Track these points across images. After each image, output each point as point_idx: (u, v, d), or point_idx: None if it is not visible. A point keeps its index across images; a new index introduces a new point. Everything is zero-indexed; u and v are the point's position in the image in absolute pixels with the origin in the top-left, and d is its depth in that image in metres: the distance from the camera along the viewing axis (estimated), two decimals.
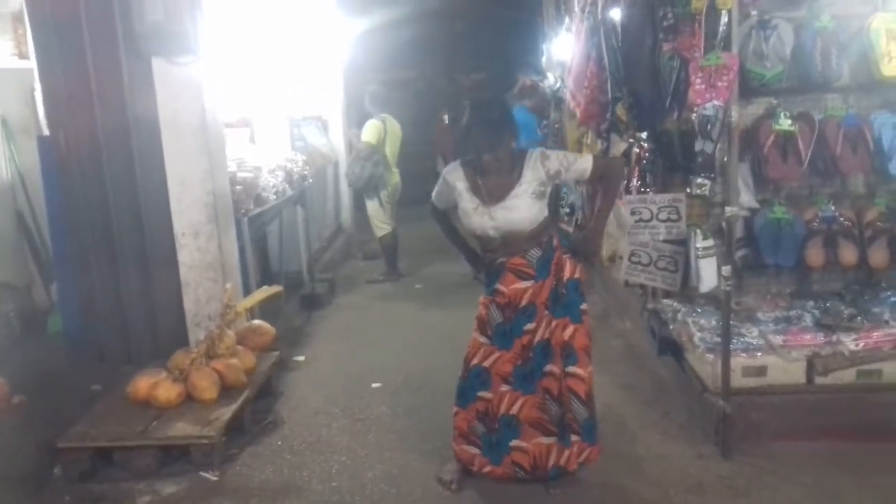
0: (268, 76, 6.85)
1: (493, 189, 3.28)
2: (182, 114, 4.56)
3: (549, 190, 3.37)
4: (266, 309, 5.27)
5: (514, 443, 3.38)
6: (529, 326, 3.32)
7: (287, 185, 6.05)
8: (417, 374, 4.90)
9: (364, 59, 10.28)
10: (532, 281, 3.30)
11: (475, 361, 3.41)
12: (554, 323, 3.32)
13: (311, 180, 6.89)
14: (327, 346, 5.65)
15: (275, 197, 5.73)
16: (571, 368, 3.35)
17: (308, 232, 6.93)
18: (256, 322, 4.82)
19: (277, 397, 4.64)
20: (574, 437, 3.40)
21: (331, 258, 8.03)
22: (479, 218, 3.30)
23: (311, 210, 7.31)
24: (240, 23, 5.91)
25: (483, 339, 3.41)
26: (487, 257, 3.43)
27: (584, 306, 3.40)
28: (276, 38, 6.87)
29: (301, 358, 5.34)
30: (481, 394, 3.40)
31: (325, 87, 8.79)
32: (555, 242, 3.35)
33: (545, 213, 3.36)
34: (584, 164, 3.33)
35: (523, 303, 3.31)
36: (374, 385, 4.79)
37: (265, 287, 5.08)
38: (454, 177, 3.39)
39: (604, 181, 3.44)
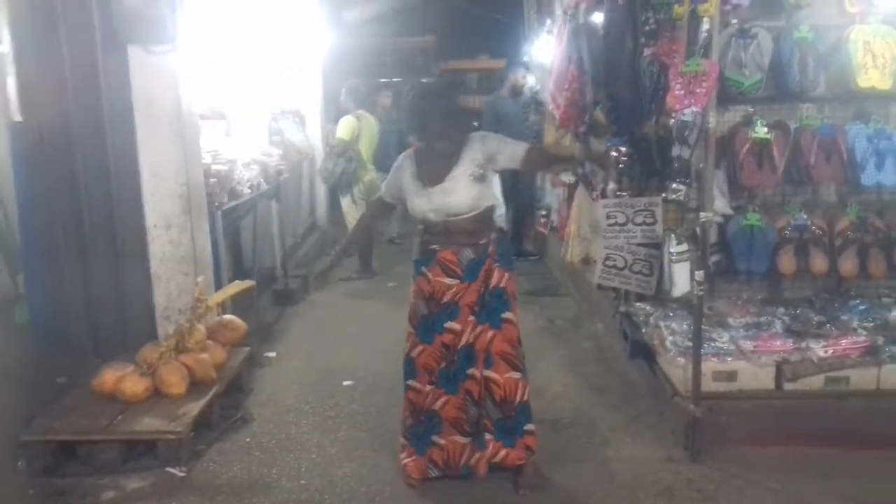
0: (246, 68, 6.78)
1: (434, 173, 3.33)
2: (157, 103, 4.50)
3: (489, 174, 3.36)
4: (238, 304, 5.22)
5: (434, 438, 3.47)
6: (451, 325, 3.36)
7: (262, 180, 5.99)
8: (389, 373, 4.84)
9: (343, 57, 10.24)
10: (457, 280, 3.34)
11: (406, 350, 3.51)
12: (479, 328, 3.36)
13: (287, 175, 6.84)
14: (299, 343, 5.61)
15: (249, 191, 5.67)
16: (487, 372, 3.40)
17: (282, 227, 6.88)
18: (228, 317, 4.77)
19: (247, 393, 4.59)
20: (488, 436, 3.43)
21: (305, 254, 7.97)
22: (419, 200, 3.34)
23: (286, 205, 7.25)
24: (218, 13, 5.83)
25: (411, 329, 3.49)
26: (424, 238, 3.45)
27: (507, 315, 3.41)
28: (256, 29, 6.80)
29: (272, 354, 5.30)
30: (410, 382, 3.50)
31: (303, 82, 8.74)
32: (490, 249, 3.38)
33: (487, 200, 3.38)
34: (518, 150, 3.37)
35: (445, 299, 3.35)
36: (345, 383, 4.76)
37: (237, 281, 5.02)
38: (405, 162, 3.47)
39: (536, 168, 3.48)
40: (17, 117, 4.89)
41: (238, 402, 4.45)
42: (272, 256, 6.75)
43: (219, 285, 5.10)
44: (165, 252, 4.58)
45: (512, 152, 3.35)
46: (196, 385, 4.07)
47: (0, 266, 5.82)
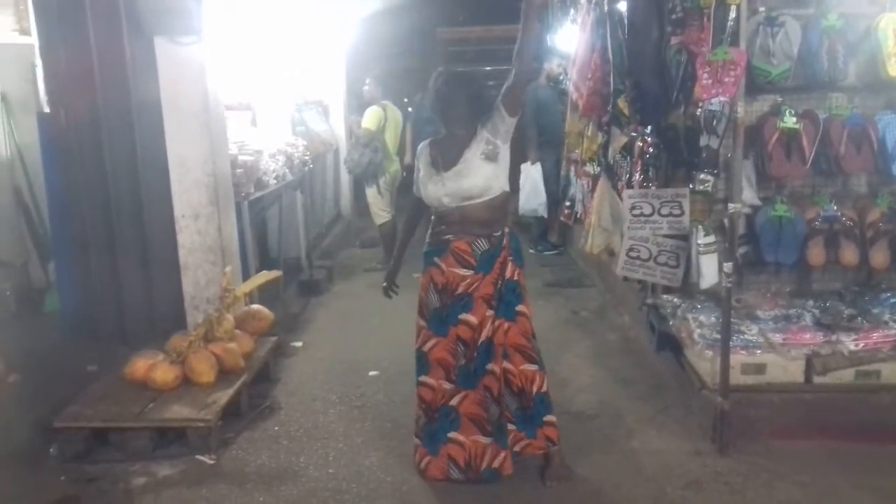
0: (270, 59, 6.81)
1: (448, 158, 3.30)
2: (184, 95, 4.54)
3: (500, 150, 3.28)
4: (264, 294, 5.27)
5: (451, 434, 3.38)
6: (466, 317, 3.31)
7: (287, 170, 6.02)
8: (413, 363, 4.88)
9: (366, 46, 10.24)
10: (472, 271, 3.30)
11: (417, 345, 3.45)
12: (497, 323, 3.33)
13: (311, 166, 6.87)
14: (325, 333, 5.64)
15: (275, 181, 5.71)
16: (506, 364, 3.38)
17: (307, 218, 6.92)
18: (255, 307, 4.81)
19: (275, 383, 4.64)
20: (509, 427, 3.41)
21: (329, 245, 8.01)
22: (434, 186, 3.31)
23: (311, 196, 7.30)
24: (243, 4, 5.86)
25: (422, 322, 3.43)
26: (437, 229, 3.40)
27: (521, 307, 3.39)
28: (279, 20, 6.82)
29: (298, 344, 5.33)
30: (422, 378, 3.43)
31: (326, 72, 8.76)
32: (505, 241, 3.35)
33: (500, 183, 3.31)
34: (497, 105, 3.25)
35: (459, 290, 3.31)
36: (371, 373, 4.78)
37: (265, 271, 5.07)
38: (422, 152, 3.45)
39: (517, 96, 3.30)
40: (46, 108, 4.96)
41: (266, 391, 4.49)
42: (297, 247, 6.79)
43: (245, 275, 5.15)
44: (193, 242, 4.62)
45: (497, 112, 3.26)
46: (225, 374, 4.12)
47: (32, 255, 5.92)
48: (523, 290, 3.43)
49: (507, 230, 3.39)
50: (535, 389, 3.40)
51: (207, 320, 4.32)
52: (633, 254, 4.23)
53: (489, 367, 3.34)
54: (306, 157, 6.61)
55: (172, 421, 3.79)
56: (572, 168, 7.03)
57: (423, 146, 3.49)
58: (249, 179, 5.18)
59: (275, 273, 5.13)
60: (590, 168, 5.93)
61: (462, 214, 3.29)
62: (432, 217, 3.47)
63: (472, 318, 3.31)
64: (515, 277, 3.39)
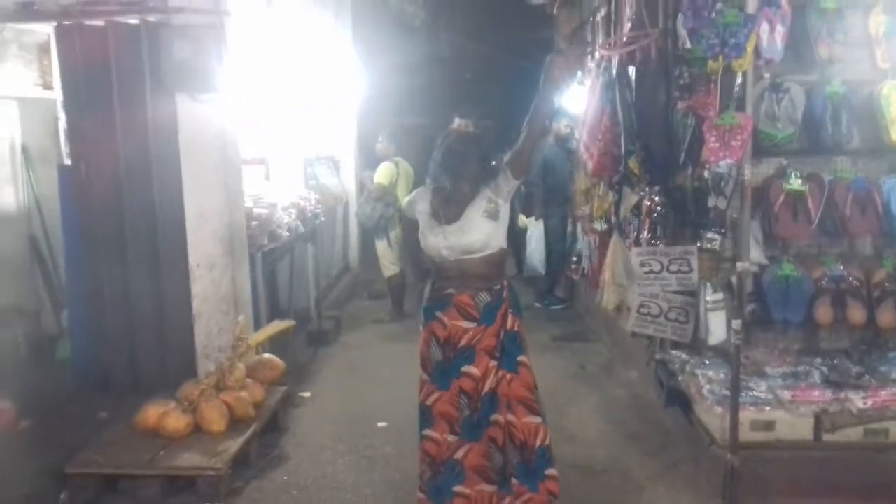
0: (283, 114, 6.97)
1: (450, 212, 3.36)
2: (203, 149, 4.67)
3: (501, 209, 3.34)
4: (274, 343, 5.31)
5: (457, 488, 3.34)
6: (468, 369, 3.32)
7: (300, 223, 6.13)
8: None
9: (376, 102, 10.46)
10: (475, 324, 3.32)
11: (420, 399, 3.44)
12: (500, 373, 3.33)
13: (322, 218, 6.97)
14: (333, 384, 5.67)
15: (288, 233, 5.80)
16: (509, 417, 3.36)
17: (317, 269, 6.99)
18: (267, 356, 4.86)
19: (283, 432, 4.65)
20: (513, 481, 3.37)
21: (337, 296, 8.07)
22: (434, 238, 3.34)
23: (321, 248, 7.38)
24: (258, 62, 6.03)
25: (425, 376, 3.43)
26: (438, 284, 3.42)
27: (522, 358, 3.40)
28: (293, 77, 7.00)
29: (307, 394, 5.36)
30: (426, 432, 3.40)
31: (337, 127, 8.94)
32: (505, 294, 3.39)
33: (499, 241, 3.36)
34: (504, 168, 3.35)
35: (462, 343, 3.32)
36: (379, 424, 4.80)
37: (277, 321, 5.13)
38: (420, 198, 3.49)
39: (525, 160, 3.39)
40: (66, 161, 5.08)
41: (275, 440, 4.51)
42: (307, 297, 6.85)
43: (257, 325, 5.20)
44: (207, 291, 4.69)
45: (503, 174, 3.35)
46: (235, 422, 4.14)
47: (45, 303, 5.98)
48: (523, 341, 3.45)
49: (506, 283, 3.44)
50: (537, 442, 3.38)
51: (219, 369, 4.37)
52: (643, 310, 4.30)
53: (493, 418, 3.33)
54: (318, 211, 6.72)
55: (183, 469, 3.81)
56: (579, 225, 7.15)
57: (422, 192, 3.53)
58: (263, 231, 5.28)
59: (287, 322, 5.19)
60: (598, 225, 6.04)
61: (461, 268, 3.33)
62: (431, 272, 3.50)
63: (474, 371, 3.32)
64: (516, 328, 3.42)
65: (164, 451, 3.90)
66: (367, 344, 6.80)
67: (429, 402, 3.39)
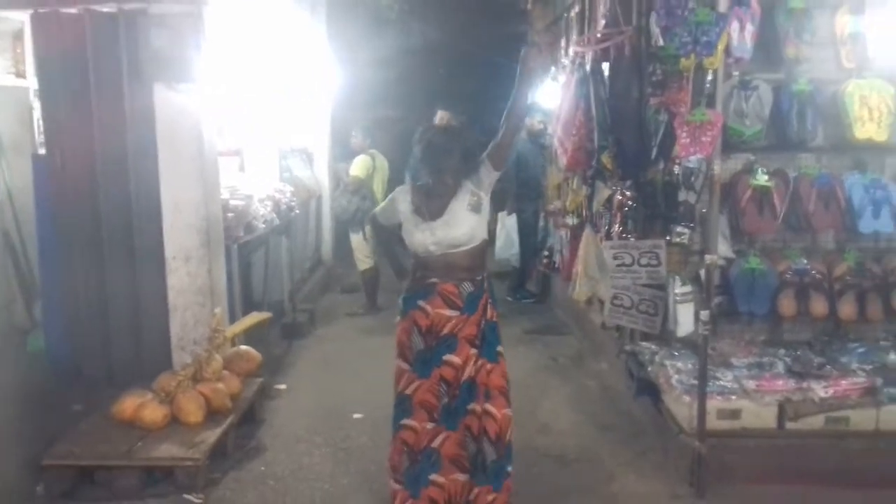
0: (258, 106, 6.97)
1: (434, 207, 3.40)
2: (180, 139, 4.65)
3: (483, 202, 3.42)
4: (249, 336, 5.33)
5: (432, 476, 3.40)
6: (450, 357, 3.37)
7: (275, 215, 6.14)
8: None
9: (350, 95, 10.46)
10: (458, 312, 3.37)
11: (399, 388, 3.46)
12: (480, 362, 3.39)
13: (297, 211, 6.99)
14: (308, 376, 5.70)
15: (263, 226, 5.81)
16: (487, 406, 3.39)
17: (291, 262, 7.01)
18: (243, 347, 4.88)
19: (260, 424, 4.68)
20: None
21: (311, 290, 8.08)
22: (421, 234, 3.38)
23: (295, 241, 7.39)
24: (234, 53, 6.03)
25: (405, 366, 3.45)
26: (420, 274, 3.46)
27: (500, 348, 3.48)
28: (268, 69, 6.99)
29: (283, 386, 5.38)
30: (405, 422, 3.43)
31: (311, 120, 8.93)
32: (486, 285, 3.46)
33: (482, 233, 3.45)
34: (484, 160, 3.40)
35: (444, 331, 3.37)
36: (355, 416, 4.85)
37: (254, 313, 5.15)
38: (401, 197, 3.51)
39: (505, 151, 3.46)
40: (41, 151, 5.04)
41: (251, 431, 4.54)
42: (281, 290, 6.87)
43: (232, 317, 5.21)
44: (183, 283, 4.69)
45: (484, 166, 3.41)
46: (212, 414, 4.16)
47: (17, 297, 5.93)
48: (500, 332, 3.53)
49: (486, 274, 3.50)
50: (507, 437, 3.42)
51: (196, 360, 4.38)
52: (616, 302, 4.40)
53: (470, 406, 3.38)
54: (293, 203, 6.74)
55: (160, 460, 3.82)
56: (551, 220, 7.25)
57: (400, 192, 3.55)
58: (240, 223, 5.28)
59: (264, 314, 5.21)
60: (570, 219, 6.13)
61: (447, 261, 3.38)
62: (412, 263, 3.53)
63: (455, 359, 3.37)
64: (494, 318, 3.49)
65: (142, 443, 3.91)
66: (341, 337, 6.84)
67: (408, 391, 3.42)
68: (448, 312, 3.38)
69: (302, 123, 8.59)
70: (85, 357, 4.87)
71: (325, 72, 8.67)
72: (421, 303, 3.42)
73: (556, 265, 7.18)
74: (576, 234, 5.93)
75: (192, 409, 4.08)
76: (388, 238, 3.82)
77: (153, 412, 4.03)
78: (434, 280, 3.40)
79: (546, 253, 7.53)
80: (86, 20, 4.57)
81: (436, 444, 3.40)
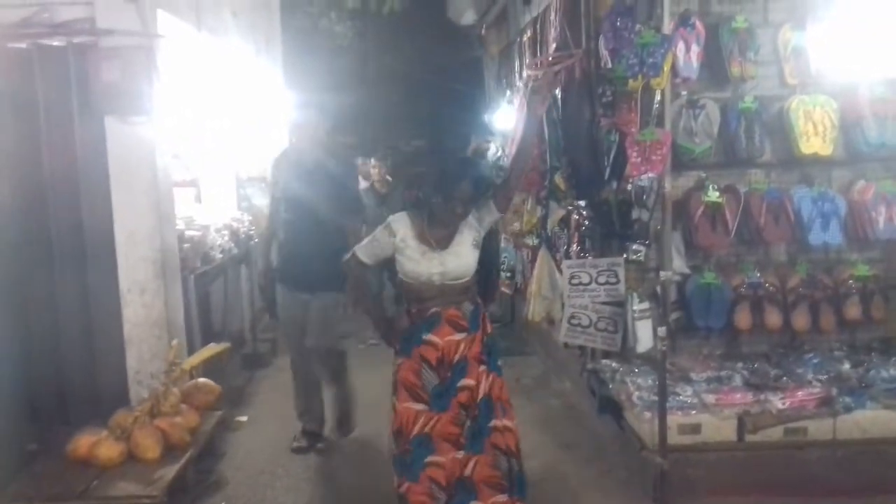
0: (215, 136, 6.93)
1: (440, 237, 3.40)
2: (133, 172, 4.61)
3: (481, 240, 3.48)
4: (208, 367, 5.24)
5: None
6: (464, 383, 3.36)
7: (233, 245, 6.09)
8: (361, 432, 4.92)
9: (307, 122, 10.45)
10: (465, 333, 3.39)
11: (415, 431, 3.36)
12: (490, 377, 3.40)
13: (256, 240, 6.93)
14: (270, 406, 5.61)
15: (221, 255, 5.76)
16: (505, 422, 3.43)
17: (252, 291, 6.94)
18: (202, 380, 4.79)
19: (220, 457, 4.60)
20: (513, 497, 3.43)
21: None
22: (428, 263, 3.36)
23: (255, 269, 7.31)
24: (189, 84, 6.00)
25: (419, 407, 3.37)
26: (417, 308, 3.42)
27: (500, 361, 3.54)
28: (224, 99, 6.97)
29: (244, 418, 5.30)
30: (430, 459, 3.34)
31: (269, 149, 8.88)
32: (479, 300, 3.51)
33: (476, 265, 3.49)
34: (488, 202, 3.46)
35: (456, 357, 3.36)
36: (318, 445, 4.78)
37: (212, 344, 5.07)
38: (399, 224, 3.44)
39: (509, 198, 3.58)
40: None
41: (211, 465, 4.45)
42: (241, 319, 6.79)
43: (191, 349, 5.13)
44: (139, 316, 4.62)
45: (487, 206, 3.46)
46: (170, 449, 4.08)
47: None
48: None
49: (476, 289, 3.53)
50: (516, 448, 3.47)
51: (153, 395, 4.30)
52: (574, 321, 4.42)
53: (492, 423, 3.37)
54: (251, 232, 6.69)
55: (118, 499, 3.73)
56: (511, 241, 7.27)
57: (398, 219, 3.48)
58: (196, 254, 5.23)
59: (222, 346, 5.14)
60: (529, 240, 6.17)
61: (444, 290, 3.39)
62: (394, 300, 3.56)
63: (470, 382, 3.37)
64: (490, 331, 3.54)
65: (98, 481, 3.82)
66: None
67: (427, 429, 3.35)
68: (457, 336, 3.39)
69: (259, 152, 8.54)
70: (39, 395, 4.74)
71: (281, 100, 8.65)
72: (427, 336, 3.38)
73: (519, 286, 7.20)
74: (535, 253, 5.97)
75: (150, 445, 3.99)
76: (366, 281, 3.74)
77: (109, 450, 3.94)
78: (435, 309, 3.39)
79: (508, 274, 7.55)
80: (34, 54, 4.51)
81: (468, 472, 3.35)
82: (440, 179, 3.42)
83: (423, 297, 3.41)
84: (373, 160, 8.13)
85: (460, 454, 3.34)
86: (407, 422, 3.37)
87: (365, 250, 3.52)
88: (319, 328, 4.57)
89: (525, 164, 3.64)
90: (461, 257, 3.39)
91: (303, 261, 4.51)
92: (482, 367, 3.39)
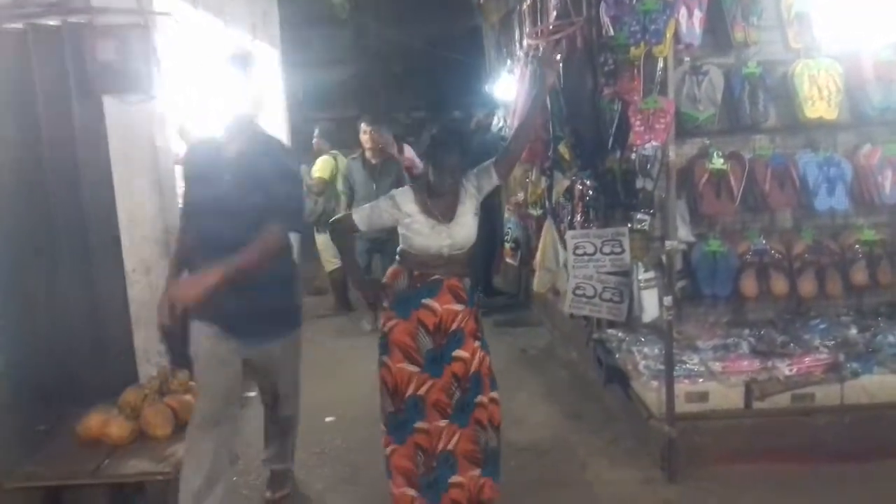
0: (215, 114, 6.86)
1: (443, 209, 3.42)
2: (134, 152, 4.57)
3: (478, 206, 3.51)
4: None
5: (452, 479, 3.42)
6: (459, 353, 3.41)
7: None
8: (370, 407, 4.87)
9: (307, 97, 10.40)
10: (464, 306, 3.43)
11: (410, 391, 3.41)
12: (481, 354, 3.46)
13: None
14: None
15: None
16: (492, 395, 3.51)
17: None
18: None
19: None
20: (479, 471, 3.49)
21: None
22: (437, 237, 3.39)
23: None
24: (186, 61, 5.95)
25: (412, 368, 3.42)
26: (420, 271, 3.43)
27: (484, 338, 3.56)
28: (221, 71, 6.90)
29: (252, 393, 5.30)
30: (419, 425, 3.42)
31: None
32: (472, 279, 3.55)
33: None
34: (489, 168, 3.50)
35: (453, 326, 3.40)
36: (327, 419, 4.83)
37: None
38: (404, 199, 3.44)
39: (511, 167, 3.65)
40: None
41: None
42: None
43: None
44: (145, 296, 4.62)
45: (487, 173, 3.49)
46: (181, 426, 4.08)
47: None
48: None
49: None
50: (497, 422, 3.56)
51: (162, 373, 4.32)
52: (578, 292, 4.41)
53: (477, 399, 3.44)
54: None
55: (131, 476, 3.75)
56: (515, 212, 7.26)
57: (402, 193, 3.49)
58: None
59: None
60: (533, 210, 6.15)
61: (451, 260, 3.44)
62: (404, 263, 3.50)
63: (464, 353, 3.41)
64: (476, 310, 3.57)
65: (110, 460, 3.84)
66: (310, 340, 6.70)
67: (420, 392, 3.41)
68: (456, 307, 3.42)
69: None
70: (48, 376, 4.76)
71: (279, 74, 8.59)
72: (427, 301, 3.42)
73: (524, 257, 7.19)
74: (541, 224, 5.95)
75: (160, 423, 4.01)
76: (351, 245, 3.81)
77: (120, 428, 3.96)
78: (439, 276, 3.42)
79: (512, 244, 7.54)
80: (29, 35, 4.46)
81: (451, 445, 3.41)
82: (430, 150, 3.46)
83: (429, 265, 3.44)
84: (363, 125, 6.97)
85: (443, 423, 3.41)
86: (402, 381, 3.43)
87: (362, 214, 3.52)
88: (293, 388, 3.83)
89: (529, 132, 3.66)
90: (465, 227, 3.44)
91: (238, 295, 3.11)
92: (476, 343, 3.44)
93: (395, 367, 3.44)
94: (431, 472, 3.43)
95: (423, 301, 3.41)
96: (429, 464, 3.43)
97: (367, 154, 6.83)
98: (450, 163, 3.38)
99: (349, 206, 6.51)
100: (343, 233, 3.63)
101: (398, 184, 5.80)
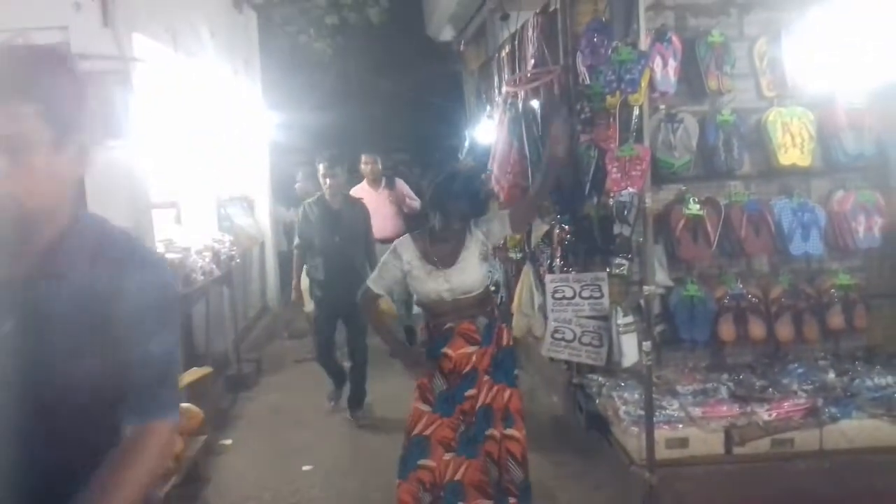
0: (194, 157, 6.88)
1: (443, 255, 3.49)
2: (111, 196, 4.54)
3: (488, 253, 3.59)
4: (192, 391, 5.17)
5: None
6: (470, 392, 3.47)
7: (214, 266, 6.02)
8: (348, 454, 4.89)
9: (289, 139, 10.43)
10: (477, 346, 3.49)
11: (416, 431, 3.50)
12: (495, 388, 3.50)
13: (238, 260, 6.88)
14: (255, 428, 5.57)
15: (202, 277, 5.69)
16: (509, 431, 3.54)
17: (234, 312, 6.88)
18: (184, 405, 4.72)
19: (205, 483, 4.54)
20: (512, 500, 3.52)
21: (256, 337, 7.95)
22: (434, 282, 3.46)
23: (237, 290, 7.27)
24: (167, 106, 5.96)
25: (425, 408, 3.51)
26: (434, 323, 3.55)
27: (516, 372, 3.63)
28: (203, 120, 6.94)
29: (228, 441, 5.24)
30: (422, 462, 3.47)
31: (250, 167, 8.85)
32: (496, 313, 3.60)
33: (486, 279, 3.60)
34: (502, 218, 3.60)
35: (467, 368, 3.46)
36: (304, 468, 4.74)
37: (194, 368, 5.01)
38: (404, 248, 3.55)
39: (524, 222, 3.78)
40: None
41: (196, 491, 4.40)
42: (224, 341, 6.73)
43: None
44: None
45: (499, 222, 3.58)
46: None
47: None
48: (518, 356, 3.69)
49: (494, 303, 3.67)
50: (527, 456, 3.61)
51: None
52: (557, 335, 4.41)
53: (488, 432, 3.49)
54: (233, 253, 6.63)
55: None
56: (497, 256, 7.26)
57: (402, 242, 3.59)
58: (177, 277, 5.16)
59: (204, 370, 5.08)
60: (513, 254, 6.17)
61: (457, 305, 3.50)
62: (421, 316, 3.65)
63: (473, 391, 3.48)
64: (511, 344, 3.64)
65: None
66: (288, 385, 6.71)
67: (427, 431, 3.47)
68: (469, 349, 3.49)
69: (241, 171, 8.51)
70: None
71: (262, 119, 8.64)
72: (442, 350, 3.50)
73: (503, 300, 7.18)
74: (520, 269, 5.96)
75: None
76: (382, 320, 3.88)
77: None
78: (450, 325, 3.50)
79: (493, 288, 7.53)
80: None
81: (458, 475, 3.45)
82: (434, 196, 3.50)
83: (437, 312, 3.54)
84: (364, 156, 7.46)
85: (448, 456, 3.45)
86: (414, 421, 3.52)
87: (376, 281, 3.62)
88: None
89: (544, 195, 3.83)
90: (466, 272, 3.47)
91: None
92: (486, 378, 3.49)
93: (413, 406, 3.55)
94: (439, 501, 3.47)
95: (441, 350, 3.51)
96: (436, 493, 3.47)
97: (327, 196, 6.05)
98: (456, 210, 3.44)
99: (303, 258, 6.01)
100: (370, 309, 3.70)
101: (365, 225, 5.82)
